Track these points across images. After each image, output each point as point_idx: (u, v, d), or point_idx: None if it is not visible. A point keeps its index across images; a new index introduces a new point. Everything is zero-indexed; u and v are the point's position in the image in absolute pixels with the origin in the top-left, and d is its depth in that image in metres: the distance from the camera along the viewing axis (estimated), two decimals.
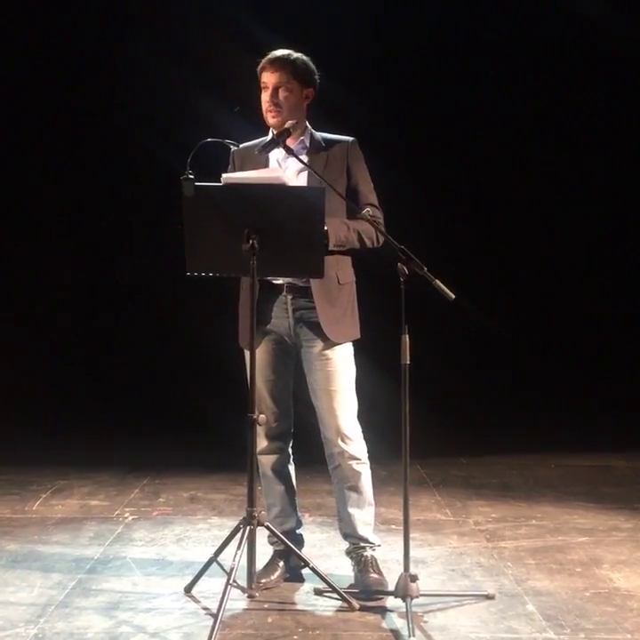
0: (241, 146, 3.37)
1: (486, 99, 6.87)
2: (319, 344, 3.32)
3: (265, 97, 3.31)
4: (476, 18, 6.73)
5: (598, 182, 7.09)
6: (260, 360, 3.29)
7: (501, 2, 6.68)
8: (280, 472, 3.46)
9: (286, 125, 3.21)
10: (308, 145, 3.36)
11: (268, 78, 3.30)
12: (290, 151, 3.20)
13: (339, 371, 3.34)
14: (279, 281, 3.32)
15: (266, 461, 3.44)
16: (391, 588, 3.16)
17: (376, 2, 6.79)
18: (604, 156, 7.03)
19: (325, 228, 3.15)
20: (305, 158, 3.29)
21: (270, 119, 3.31)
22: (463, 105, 6.86)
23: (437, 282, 3.01)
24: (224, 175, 3.13)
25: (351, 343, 3.39)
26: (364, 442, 3.39)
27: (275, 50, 3.34)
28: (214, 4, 6.45)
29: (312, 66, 3.36)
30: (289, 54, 3.32)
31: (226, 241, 3.04)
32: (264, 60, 3.33)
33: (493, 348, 6.86)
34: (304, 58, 3.35)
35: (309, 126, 3.40)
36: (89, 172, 6.83)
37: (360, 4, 6.67)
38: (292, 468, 3.51)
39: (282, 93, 3.29)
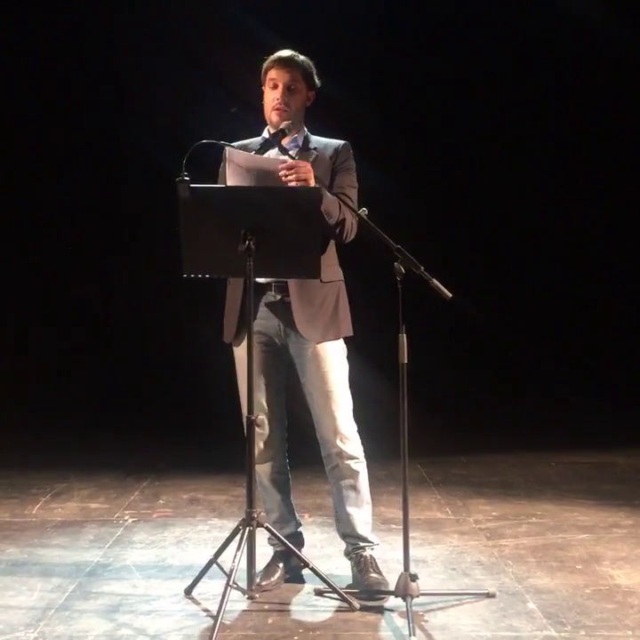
0: (234, 145, 3.36)
1: (485, 100, 6.88)
2: (310, 345, 3.29)
3: (275, 94, 3.29)
4: (477, 19, 6.74)
5: (596, 178, 7.10)
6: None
7: (502, 4, 6.69)
8: (276, 480, 3.43)
9: (282, 126, 3.21)
10: (299, 143, 3.36)
11: (280, 76, 3.28)
12: (283, 150, 3.20)
13: (332, 371, 3.31)
14: (264, 280, 3.26)
15: (261, 471, 3.39)
16: (391, 587, 3.16)
17: (377, 2, 6.79)
18: (599, 152, 7.05)
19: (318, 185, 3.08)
20: (294, 154, 3.28)
21: (275, 116, 3.28)
22: (461, 106, 6.88)
23: (434, 281, 3.01)
24: (227, 149, 3.10)
25: (343, 341, 3.36)
26: (359, 440, 3.37)
27: (274, 50, 3.33)
28: (214, 3, 6.45)
29: (314, 69, 3.36)
30: (297, 55, 3.32)
31: (222, 242, 3.03)
32: (273, 58, 3.31)
33: (492, 346, 6.86)
34: (308, 60, 3.35)
35: (305, 129, 3.39)
36: (84, 173, 6.84)
37: (361, 5, 6.68)
38: (288, 474, 3.47)
39: (292, 93, 3.28)
